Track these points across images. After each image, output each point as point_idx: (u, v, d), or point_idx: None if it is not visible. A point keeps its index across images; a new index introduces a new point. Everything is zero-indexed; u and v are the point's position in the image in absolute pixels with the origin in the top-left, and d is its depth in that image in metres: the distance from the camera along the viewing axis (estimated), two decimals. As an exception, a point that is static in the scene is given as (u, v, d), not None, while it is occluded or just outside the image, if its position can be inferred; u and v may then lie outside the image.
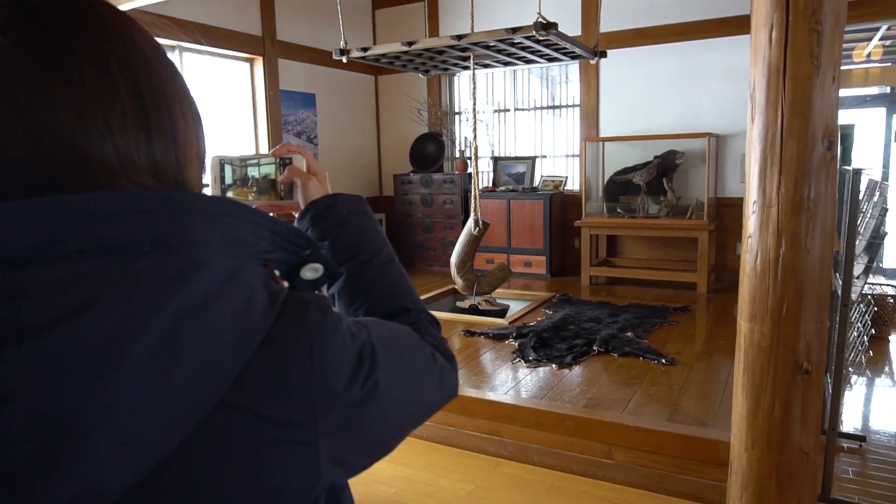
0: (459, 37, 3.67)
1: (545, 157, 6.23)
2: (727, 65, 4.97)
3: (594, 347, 3.39)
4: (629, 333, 3.62)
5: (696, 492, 2.30)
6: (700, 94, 5.11)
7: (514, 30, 3.47)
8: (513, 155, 6.35)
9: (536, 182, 6.00)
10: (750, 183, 2.02)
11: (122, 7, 3.70)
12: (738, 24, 4.87)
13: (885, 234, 2.05)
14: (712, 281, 4.93)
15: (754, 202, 1.99)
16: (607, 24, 4.98)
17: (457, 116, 6.59)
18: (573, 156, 6.06)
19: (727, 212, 5.12)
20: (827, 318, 2.03)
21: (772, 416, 2.02)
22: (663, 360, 3.17)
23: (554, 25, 3.39)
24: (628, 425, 2.47)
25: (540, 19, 3.36)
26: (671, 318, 4.08)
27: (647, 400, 2.74)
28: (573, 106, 5.98)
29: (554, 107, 6.19)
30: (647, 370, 3.10)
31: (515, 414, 2.70)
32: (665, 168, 5.14)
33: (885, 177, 5.87)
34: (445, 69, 4.83)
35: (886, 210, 2.05)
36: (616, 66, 5.31)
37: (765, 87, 1.92)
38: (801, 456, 2.02)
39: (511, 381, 3.02)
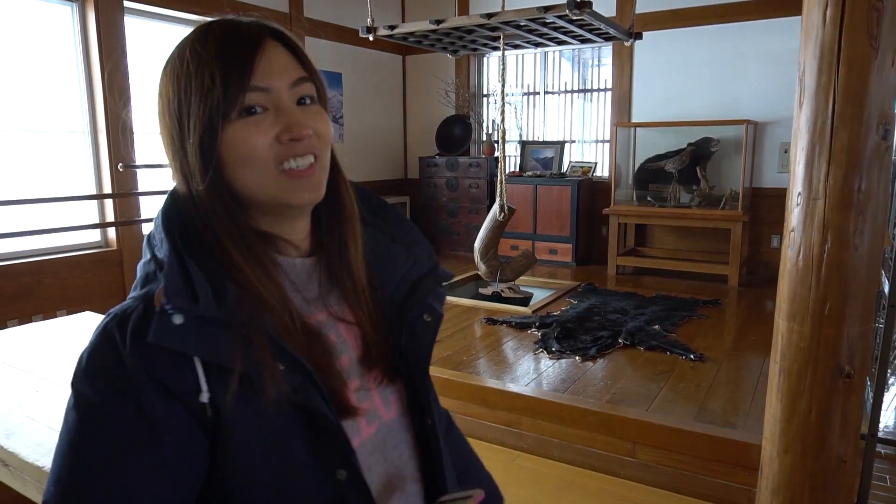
0: (489, 15, 3.55)
1: (574, 142, 6.08)
2: (769, 48, 4.75)
3: (619, 340, 3.29)
4: (656, 326, 3.51)
5: (723, 495, 2.21)
6: (738, 79, 4.90)
7: (547, 9, 3.34)
8: (541, 139, 6.21)
9: (564, 168, 5.86)
10: (795, 173, 1.89)
11: None
12: (783, 6, 4.63)
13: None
14: (744, 274, 4.76)
15: (799, 194, 1.86)
16: (643, 4, 4.79)
17: (485, 99, 6.46)
18: (603, 141, 5.89)
19: (763, 203, 4.93)
20: (873, 320, 1.91)
21: (808, 420, 1.91)
22: (691, 356, 3.05)
23: (588, 4, 3.25)
24: (654, 423, 2.37)
25: (574, -3, 3.23)
26: (701, 311, 3.94)
27: (673, 397, 2.64)
28: (605, 90, 5.81)
29: (585, 90, 6.02)
30: (675, 365, 2.99)
31: (536, 407, 2.63)
32: (699, 156, 4.96)
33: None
34: (474, 49, 4.71)
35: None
36: (651, 48, 5.12)
37: (816, 70, 1.78)
38: (839, 463, 1.91)
39: (533, 373, 2.94)
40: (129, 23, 4.10)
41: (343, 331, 0.71)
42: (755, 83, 4.84)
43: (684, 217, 4.87)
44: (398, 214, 0.82)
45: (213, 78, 0.61)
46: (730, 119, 4.86)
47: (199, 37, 0.64)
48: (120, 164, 4.00)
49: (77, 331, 2.26)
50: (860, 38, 1.70)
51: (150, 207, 4.37)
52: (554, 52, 5.93)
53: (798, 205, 1.87)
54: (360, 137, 6.15)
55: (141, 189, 4.20)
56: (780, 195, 4.86)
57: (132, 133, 4.09)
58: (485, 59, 6.37)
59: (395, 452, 0.72)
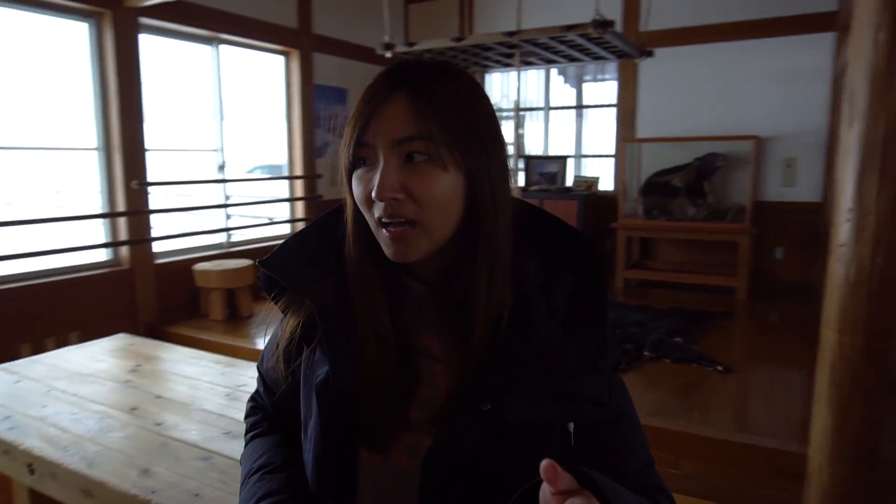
0: (511, 33, 3.60)
1: (579, 156, 6.16)
2: (772, 66, 4.88)
3: (645, 352, 3.33)
4: (678, 339, 3.56)
5: (772, 506, 2.24)
6: (742, 95, 5.03)
7: (570, 27, 3.41)
8: (544, 154, 6.28)
9: (569, 182, 5.93)
10: (844, 190, 1.95)
11: None
12: (785, 26, 4.78)
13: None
14: (751, 286, 4.85)
15: (849, 210, 1.92)
16: (649, 22, 4.90)
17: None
18: (607, 156, 5.98)
19: (766, 216, 5.04)
20: (923, 331, 1.96)
21: (860, 430, 1.96)
22: (719, 367, 3.10)
23: (611, 24, 3.33)
24: (698, 434, 2.41)
25: (597, 16, 3.30)
26: (716, 323, 4.01)
27: (711, 408, 2.68)
28: (608, 105, 5.91)
29: (588, 106, 6.11)
30: (704, 377, 3.03)
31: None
32: (705, 171, 5.06)
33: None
34: (486, 66, 4.78)
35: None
36: (656, 65, 5.22)
37: (867, 91, 1.85)
38: (891, 472, 1.96)
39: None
40: (144, 40, 4.08)
41: (435, 364, 0.71)
42: (759, 100, 4.96)
43: (693, 230, 4.96)
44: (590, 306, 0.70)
45: (347, 129, 0.68)
46: (734, 135, 4.98)
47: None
48: (134, 182, 3.96)
49: (111, 352, 2.24)
50: (910, 61, 1.77)
51: (162, 225, 4.33)
52: (556, 68, 6.02)
53: (848, 220, 1.93)
54: (364, 152, 6.15)
55: (152, 207, 4.16)
56: (783, 209, 4.98)
57: (145, 150, 4.07)
58: (488, 75, 6.45)
59: (405, 496, 0.68)
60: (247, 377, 1.95)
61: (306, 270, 0.73)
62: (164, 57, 4.39)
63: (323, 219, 0.78)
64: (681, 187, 5.11)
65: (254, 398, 0.93)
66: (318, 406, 0.71)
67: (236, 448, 1.45)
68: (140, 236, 4.02)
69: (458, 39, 3.78)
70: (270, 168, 5.70)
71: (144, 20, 4.04)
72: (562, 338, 0.68)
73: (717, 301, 4.60)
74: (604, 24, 3.28)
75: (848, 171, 1.92)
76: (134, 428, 1.57)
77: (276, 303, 0.77)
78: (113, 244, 3.98)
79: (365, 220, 0.70)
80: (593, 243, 0.73)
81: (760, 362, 3.30)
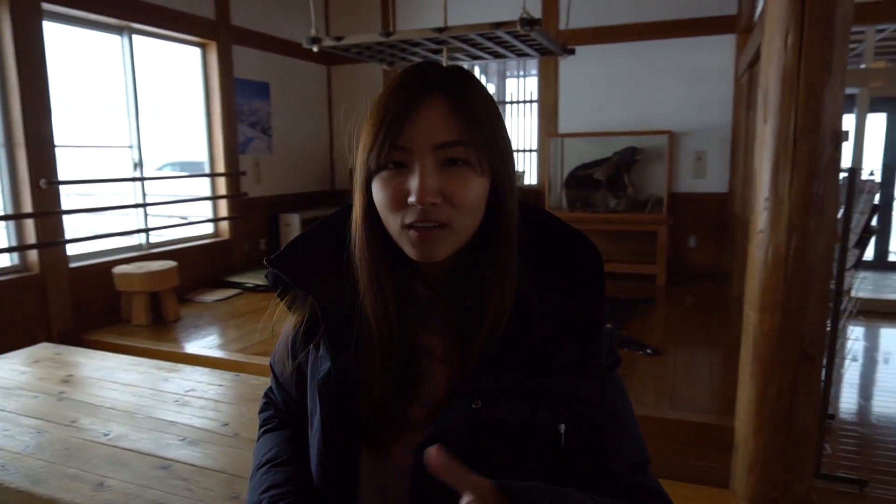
0: (441, 29, 3.63)
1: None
2: (683, 65, 5.19)
3: (577, 339, 3.46)
4: (608, 325, 3.72)
5: (702, 475, 2.41)
6: (656, 92, 5.32)
7: (499, 24, 3.48)
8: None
9: (495, 176, 6.04)
10: (761, 180, 2.12)
11: None
12: (692, 27, 5.09)
13: (877, 228, 2.21)
14: (669, 273, 5.15)
15: (766, 199, 2.09)
16: (569, 20, 5.07)
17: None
18: (529, 151, 6.15)
19: (680, 207, 5.36)
20: (828, 308, 2.17)
21: (779, 401, 2.14)
22: (648, 350, 3.28)
23: (538, 22, 3.43)
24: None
25: (525, 15, 3.39)
26: (641, 308, 4.23)
27: (643, 389, 2.84)
28: (530, 101, 6.07)
29: (509, 102, 6.25)
30: (634, 360, 3.21)
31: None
32: (624, 164, 5.31)
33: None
34: (412, 61, 4.78)
35: (877, 206, 2.22)
36: (576, 62, 5.42)
37: (779, 90, 2.02)
38: (805, 437, 2.16)
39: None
40: (49, 28, 3.80)
41: (437, 364, 0.72)
42: (670, 96, 5.27)
43: (615, 221, 5.20)
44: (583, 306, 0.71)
45: (371, 131, 0.67)
46: (649, 129, 5.26)
47: (388, 84, 0.69)
48: (42, 180, 3.69)
49: (35, 363, 2.10)
50: (816, 63, 1.95)
51: (77, 227, 4.05)
52: (477, 65, 6.11)
53: (766, 208, 2.10)
54: (288, 148, 6.02)
55: (64, 207, 3.88)
56: (695, 199, 5.31)
57: (54, 147, 3.79)
58: (411, 70, 6.45)
59: (405, 494, 0.69)
60: (193, 382, 1.89)
61: (311, 268, 0.74)
62: (72, 47, 4.11)
63: (330, 218, 0.79)
64: (602, 180, 5.34)
65: (267, 394, 0.95)
66: (320, 402, 0.72)
67: (196, 454, 1.40)
68: (51, 239, 3.75)
69: (388, 34, 3.76)
70: (182, 165, 5.46)
71: (48, 6, 3.76)
72: (556, 339, 0.68)
73: (640, 288, 4.85)
74: (531, 23, 3.37)
75: (764, 163, 2.09)
76: (78, 441, 1.49)
77: (281, 299, 0.78)
78: (19, 248, 3.69)
79: (377, 224, 0.70)
80: (594, 245, 0.73)
81: (684, 343, 3.52)
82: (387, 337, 0.70)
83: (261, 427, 0.92)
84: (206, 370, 2.03)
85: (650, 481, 0.73)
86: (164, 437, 1.50)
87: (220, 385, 1.86)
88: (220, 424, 1.57)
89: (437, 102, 0.65)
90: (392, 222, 0.67)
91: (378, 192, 0.67)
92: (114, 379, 1.91)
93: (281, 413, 0.91)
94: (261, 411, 0.95)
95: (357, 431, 0.71)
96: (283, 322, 0.82)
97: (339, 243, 0.75)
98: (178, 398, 1.75)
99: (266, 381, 1.95)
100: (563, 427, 0.68)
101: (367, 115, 0.69)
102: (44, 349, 2.28)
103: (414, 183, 0.64)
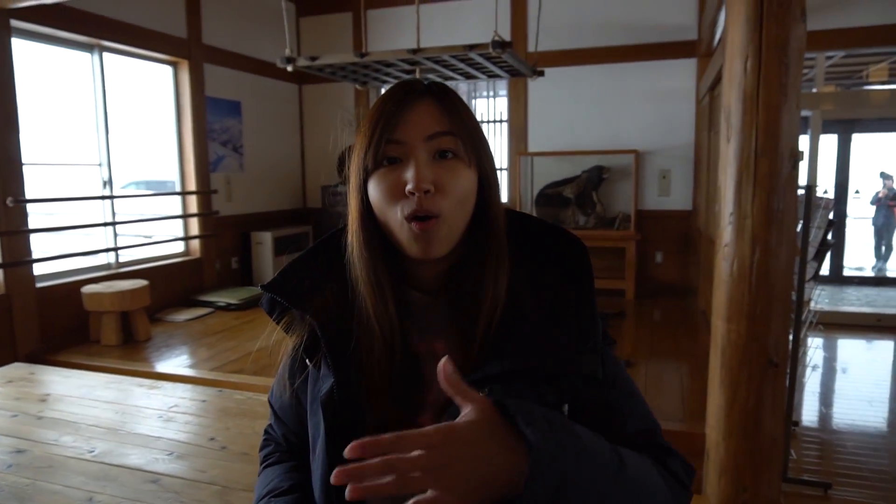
0: (415, 50, 3.72)
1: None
2: (646, 87, 5.39)
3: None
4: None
5: (675, 482, 2.47)
6: (621, 113, 5.50)
7: (472, 47, 3.58)
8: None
9: (466, 194, 6.13)
10: (725, 197, 2.23)
11: (37, 1, 3.42)
12: (655, 51, 5.30)
13: (832, 242, 2.34)
14: (637, 288, 5.28)
15: (731, 214, 2.20)
16: (534, 43, 5.24)
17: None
18: (500, 169, 6.26)
19: (647, 223, 5.52)
20: (791, 317, 2.28)
21: (747, 407, 2.23)
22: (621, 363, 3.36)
23: (509, 45, 3.53)
24: (609, 424, 2.61)
25: (496, 38, 3.49)
26: (611, 322, 4.33)
27: (616, 400, 2.91)
28: (500, 121, 6.20)
29: (481, 121, 6.37)
30: (606, 372, 3.28)
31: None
32: (592, 182, 5.46)
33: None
34: (385, 81, 4.86)
35: (833, 222, 2.35)
36: (544, 84, 5.57)
37: (741, 112, 2.14)
38: (772, 442, 2.25)
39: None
40: (18, 45, 3.76)
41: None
42: (635, 117, 5.45)
43: (584, 238, 5.23)
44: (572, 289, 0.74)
45: (367, 131, 0.71)
46: (616, 149, 5.42)
47: (378, 98, 0.74)
48: (9, 199, 3.62)
49: (8, 383, 2.06)
50: (774, 86, 2.08)
51: (43, 246, 3.98)
52: (447, 84, 6.23)
53: (730, 223, 2.21)
54: (260, 166, 6.01)
55: (32, 226, 3.81)
56: (660, 216, 5.48)
57: (21, 165, 3.73)
58: (383, 89, 6.53)
59: None
60: (175, 398, 1.88)
61: (306, 289, 0.76)
62: (41, 64, 4.06)
63: (322, 241, 0.81)
64: (571, 198, 5.47)
65: (266, 431, 0.96)
66: (324, 419, 0.72)
67: (184, 467, 1.41)
68: (17, 258, 3.67)
69: (363, 55, 3.83)
70: (147, 184, 5.41)
71: (17, 24, 3.73)
72: (553, 323, 0.71)
73: (610, 303, 4.97)
74: (503, 45, 3.48)
75: (728, 180, 2.20)
76: (62, 458, 1.48)
77: (277, 323, 0.79)
78: (-16, 268, 3.60)
79: (374, 223, 0.72)
80: (577, 238, 0.77)
81: (654, 355, 3.62)
82: (388, 340, 0.72)
83: (261, 463, 0.92)
84: (187, 386, 2.03)
85: (663, 442, 0.75)
86: (151, 452, 1.50)
87: (204, 400, 1.86)
88: (207, 439, 1.58)
89: (427, 101, 0.71)
90: (391, 216, 0.70)
91: (375, 189, 0.70)
92: (94, 397, 1.89)
93: (281, 447, 0.91)
94: (261, 448, 0.95)
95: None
96: (283, 343, 0.82)
97: (332, 263, 0.77)
98: (162, 414, 1.75)
99: (248, 396, 1.96)
100: (566, 407, 0.70)
101: (359, 125, 0.74)
102: (16, 369, 2.24)
103: (410, 173, 0.68)
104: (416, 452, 0.51)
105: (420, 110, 0.70)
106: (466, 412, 0.55)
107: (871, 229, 7.88)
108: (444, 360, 0.56)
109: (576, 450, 0.56)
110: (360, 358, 0.72)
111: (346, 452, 0.51)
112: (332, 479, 0.50)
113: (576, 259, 0.75)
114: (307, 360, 0.77)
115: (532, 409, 0.57)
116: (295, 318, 0.77)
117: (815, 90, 5.16)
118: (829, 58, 5.26)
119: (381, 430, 0.67)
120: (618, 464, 0.60)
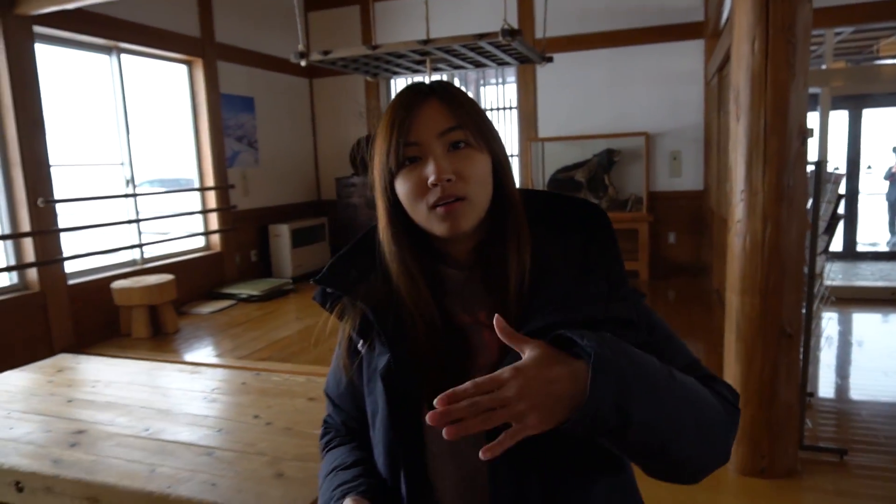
0: (426, 41, 3.78)
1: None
2: (655, 69, 5.42)
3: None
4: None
5: (694, 452, 2.56)
6: (631, 96, 5.53)
7: (482, 35, 3.64)
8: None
9: (479, 182, 6.20)
10: (736, 175, 2.30)
11: (58, 7, 3.53)
12: (662, 33, 5.32)
13: (842, 216, 2.40)
14: (651, 268, 5.34)
15: (742, 191, 2.26)
16: (542, 29, 5.27)
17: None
18: (511, 156, 6.32)
19: (658, 205, 5.57)
20: (803, 289, 2.35)
21: (762, 377, 2.31)
22: (636, 341, 3.44)
23: (519, 32, 3.59)
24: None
25: (506, 26, 3.55)
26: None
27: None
28: (509, 108, 6.25)
29: (489, 109, 6.42)
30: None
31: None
32: (603, 165, 5.51)
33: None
34: (396, 73, 4.93)
35: (841, 196, 2.40)
36: (552, 69, 5.61)
37: (749, 91, 2.20)
38: (788, 410, 2.33)
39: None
40: (41, 50, 3.87)
41: (486, 335, 0.79)
42: (645, 100, 5.48)
43: (596, 221, 5.36)
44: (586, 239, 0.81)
45: (384, 139, 0.79)
46: (626, 132, 5.46)
47: (388, 106, 0.83)
48: (40, 199, 3.74)
49: (58, 373, 2.18)
50: (782, 66, 2.13)
51: (73, 244, 4.11)
52: (456, 74, 6.29)
53: (742, 200, 2.27)
54: (274, 161, 6.11)
55: (62, 226, 3.94)
56: (672, 197, 5.53)
57: (49, 166, 3.85)
58: (393, 81, 6.60)
59: (481, 463, 0.70)
60: (216, 381, 1.99)
61: (352, 278, 0.84)
62: (63, 68, 4.17)
63: (360, 238, 0.89)
64: (583, 182, 5.53)
65: (325, 421, 1.02)
66: (385, 390, 0.79)
67: (234, 441, 1.51)
68: (50, 257, 3.81)
69: (374, 48, 3.90)
70: (163, 182, 5.52)
71: (39, 29, 3.84)
72: (583, 280, 0.77)
73: (623, 284, 5.02)
74: (512, 33, 3.54)
75: (738, 158, 2.27)
76: (121, 437, 1.59)
77: (331, 312, 0.87)
78: (19, 267, 3.73)
79: (403, 220, 0.81)
80: (594, 203, 0.84)
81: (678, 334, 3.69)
82: (428, 319, 0.79)
83: (323, 449, 0.98)
84: (226, 371, 2.14)
85: (707, 371, 0.80)
86: (201, 429, 1.61)
87: (243, 382, 1.97)
88: (251, 416, 1.68)
89: (432, 102, 0.79)
90: (419, 209, 0.78)
91: (402, 187, 0.78)
92: (140, 382, 2.00)
93: (340, 433, 0.97)
94: (321, 437, 1.01)
95: (421, 418, 0.76)
96: (333, 332, 0.91)
97: (372, 255, 0.85)
98: (206, 395, 1.86)
99: (285, 378, 2.06)
100: None
101: (370, 118, 0.84)
102: (63, 359, 2.36)
103: (430, 168, 0.75)
104: (493, 393, 0.59)
105: (428, 111, 0.78)
106: (527, 353, 0.64)
107: (885, 204, 7.86)
108: (496, 317, 0.65)
109: (629, 356, 0.65)
110: (408, 336, 0.79)
111: (436, 402, 0.58)
112: (428, 420, 0.58)
113: (596, 222, 0.82)
114: (360, 342, 0.84)
115: (582, 331, 0.65)
116: (346, 306, 0.85)
117: (824, 66, 5.17)
118: (839, 34, 5.25)
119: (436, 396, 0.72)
120: (669, 373, 0.68)
